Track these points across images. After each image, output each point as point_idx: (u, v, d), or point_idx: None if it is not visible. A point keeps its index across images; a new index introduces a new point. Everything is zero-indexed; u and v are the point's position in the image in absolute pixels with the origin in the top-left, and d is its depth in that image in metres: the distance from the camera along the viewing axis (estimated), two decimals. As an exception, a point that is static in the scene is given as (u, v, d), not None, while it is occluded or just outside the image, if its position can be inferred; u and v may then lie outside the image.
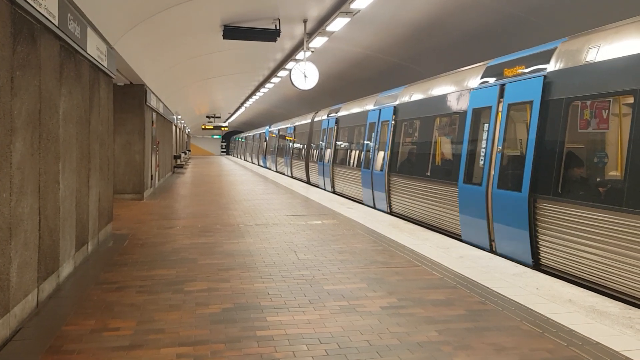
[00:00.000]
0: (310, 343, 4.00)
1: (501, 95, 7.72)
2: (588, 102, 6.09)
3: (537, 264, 6.73)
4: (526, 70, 7.28)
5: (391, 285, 5.64)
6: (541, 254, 6.61)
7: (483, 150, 8.03)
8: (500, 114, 7.62)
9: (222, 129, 51.28)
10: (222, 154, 72.08)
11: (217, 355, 3.76)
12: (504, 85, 7.72)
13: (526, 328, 4.37)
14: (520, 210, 6.82)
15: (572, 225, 6.07)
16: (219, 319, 4.53)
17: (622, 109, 5.82)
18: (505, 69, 7.79)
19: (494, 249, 7.65)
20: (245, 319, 4.54)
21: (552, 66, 6.74)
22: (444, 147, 9.81)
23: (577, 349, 3.92)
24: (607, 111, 5.94)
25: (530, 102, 6.97)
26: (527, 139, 6.94)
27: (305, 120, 22.83)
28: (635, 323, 4.48)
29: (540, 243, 6.61)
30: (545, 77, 6.75)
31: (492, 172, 7.66)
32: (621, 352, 3.84)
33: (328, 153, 17.87)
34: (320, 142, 19.05)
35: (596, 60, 5.98)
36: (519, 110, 7.46)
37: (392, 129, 11.97)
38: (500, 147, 7.61)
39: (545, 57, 6.93)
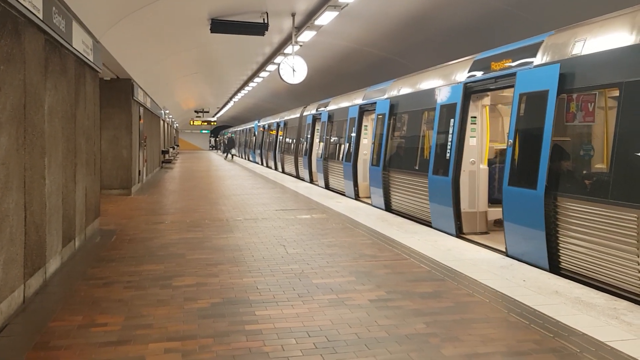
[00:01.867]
0: (299, 337, 4.01)
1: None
2: (574, 95, 6.13)
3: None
4: (513, 64, 7.31)
5: (380, 279, 5.66)
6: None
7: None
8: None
9: (211, 123, 51.05)
10: (211, 149, 71.75)
11: (205, 350, 3.75)
12: (490, 79, 7.76)
13: (513, 320, 4.41)
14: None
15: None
16: (208, 314, 4.52)
17: (608, 102, 5.87)
18: (493, 63, 7.83)
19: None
20: (233, 313, 4.54)
21: (538, 60, 6.78)
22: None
23: (564, 340, 3.97)
24: (593, 104, 6.00)
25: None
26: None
27: (294, 114, 22.79)
28: (620, 314, 4.54)
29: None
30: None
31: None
32: (606, 343, 3.89)
33: (317, 147, 17.88)
34: (309, 137, 19.05)
35: (582, 54, 6.02)
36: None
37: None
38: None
39: (532, 51, 6.97)
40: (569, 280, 5.61)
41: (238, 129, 48.91)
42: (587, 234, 5.70)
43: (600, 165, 5.91)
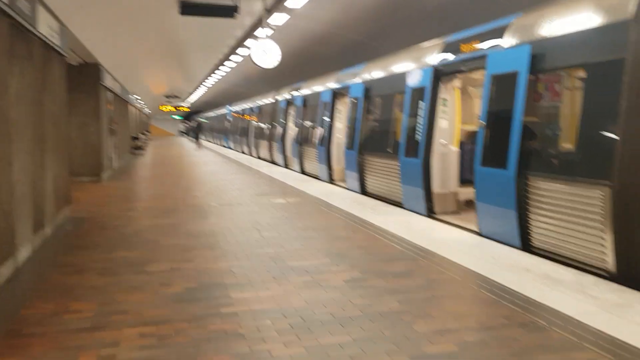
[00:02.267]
0: (274, 317, 4.05)
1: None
2: (543, 76, 6.25)
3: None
4: (482, 46, 7.40)
5: (354, 260, 5.73)
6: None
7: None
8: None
9: (182, 109, 50.34)
10: (183, 134, 70.87)
11: (181, 334, 3.76)
12: (461, 61, 7.84)
13: (483, 296, 4.53)
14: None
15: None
16: (183, 299, 4.52)
17: (574, 82, 6.00)
18: (462, 45, 7.90)
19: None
20: (209, 297, 4.55)
21: (507, 41, 6.87)
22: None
23: (532, 314, 4.09)
24: (561, 85, 6.12)
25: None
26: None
27: (268, 99, 22.65)
28: (587, 288, 4.69)
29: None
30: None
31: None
32: (574, 317, 4.02)
33: (291, 132, 17.83)
34: (282, 121, 18.98)
35: (550, 36, 6.13)
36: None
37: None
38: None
39: (501, 33, 7.05)
40: (539, 258, 5.77)
41: (211, 114, 48.38)
42: (556, 212, 5.85)
43: (568, 145, 6.05)
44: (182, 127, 71.20)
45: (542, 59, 6.20)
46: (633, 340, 3.58)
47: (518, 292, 4.60)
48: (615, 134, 5.14)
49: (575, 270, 5.25)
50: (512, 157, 6.40)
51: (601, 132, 5.33)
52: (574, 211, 5.58)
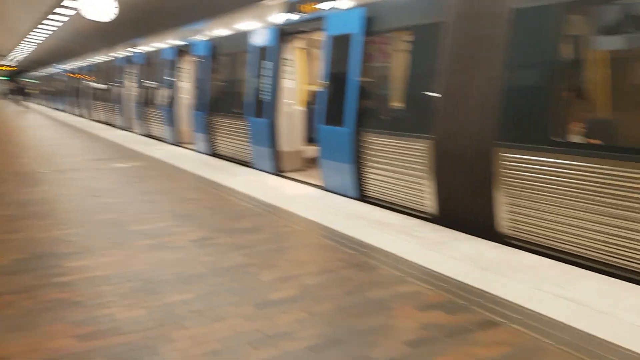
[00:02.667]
0: (115, 283, 3.92)
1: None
2: (377, 38, 6.65)
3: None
4: (322, 7, 7.62)
5: (201, 220, 5.71)
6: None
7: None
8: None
9: (5, 68, 44.57)
10: (7, 96, 62.94)
11: (11, 307, 3.48)
12: (302, 22, 8.02)
13: (324, 243, 4.84)
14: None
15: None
16: (10, 271, 4.15)
17: (404, 45, 6.49)
18: (302, 5, 8.06)
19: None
20: (41, 267, 4.24)
21: (345, 3, 7.17)
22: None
23: (365, 255, 4.48)
24: (392, 47, 6.58)
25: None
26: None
27: (105, 57, 20.98)
28: (413, 230, 5.25)
29: None
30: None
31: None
32: (400, 255, 4.49)
33: (133, 92, 16.81)
34: (122, 81, 17.79)
35: None
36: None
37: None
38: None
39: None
40: (374, 206, 6.28)
41: (41, 73, 43.50)
42: (387, 164, 6.38)
43: (397, 103, 6.57)
44: (5, 87, 63.12)
45: (376, 21, 6.59)
46: (447, 271, 4.12)
47: (354, 237, 4.99)
48: (435, 92, 5.70)
49: (404, 216, 5.83)
50: (350, 115, 6.79)
51: (424, 91, 5.88)
52: (403, 163, 6.14)
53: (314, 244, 4.83)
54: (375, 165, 6.56)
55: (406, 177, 6.15)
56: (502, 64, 4.99)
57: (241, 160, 10.04)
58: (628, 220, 4.08)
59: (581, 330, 3.08)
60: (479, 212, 5.30)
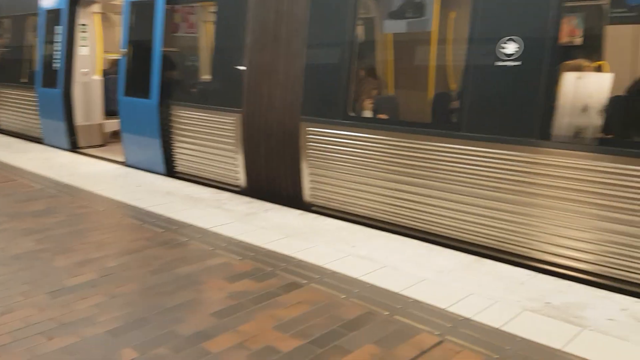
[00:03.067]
0: None
1: None
2: (181, 7, 6.39)
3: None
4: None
5: (-20, 204, 5.01)
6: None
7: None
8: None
9: None
10: None
11: None
12: None
13: (127, 222, 4.60)
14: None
15: None
16: None
17: (208, 16, 6.37)
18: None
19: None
20: None
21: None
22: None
23: (173, 232, 4.38)
24: (197, 17, 6.41)
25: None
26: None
27: None
28: (223, 204, 5.27)
29: None
30: None
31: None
32: (210, 229, 4.46)
33: None
34: None
35: None
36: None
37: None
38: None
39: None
40: (183, 182, 6.14)
41: None
42: (197, 138, 6.26)
43: (206, 75, 6.46)
44: None
45: None
46: (256, 241, 4.23)
47: (162, 215, 4.83)
48: (242, 66, 5.72)
49: (215, 190, 5.81)
50: (154, 86, 6.48)
51: (232, 65, 5.86)
52: (213, 137, 6.08)
53: (117, 224, 4.57)
54: (185, 139, 6.39)
55: (216, 151, 6.10)
56: (305, 42, 5.19)
57: (30, 136, 8.96)
58: (408, 185, 4.61)
59: (370, 283, 3.44)
60: (288, 184, 5.52)
